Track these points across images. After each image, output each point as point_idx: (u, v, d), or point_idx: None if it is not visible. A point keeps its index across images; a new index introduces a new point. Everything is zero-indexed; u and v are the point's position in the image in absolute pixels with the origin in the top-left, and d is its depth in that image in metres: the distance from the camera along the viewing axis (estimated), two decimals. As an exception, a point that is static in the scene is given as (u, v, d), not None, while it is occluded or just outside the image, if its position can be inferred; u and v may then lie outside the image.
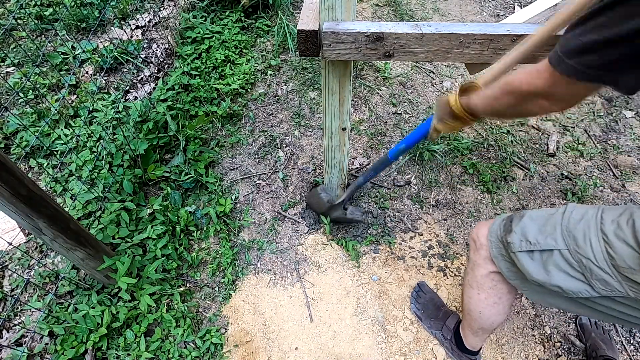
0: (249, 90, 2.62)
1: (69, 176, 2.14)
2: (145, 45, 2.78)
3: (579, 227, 0.94)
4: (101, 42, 2.77)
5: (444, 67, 2.81)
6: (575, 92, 0.78)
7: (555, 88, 0.78)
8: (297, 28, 1.18)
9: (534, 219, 1.06)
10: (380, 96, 2.61)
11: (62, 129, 2.28)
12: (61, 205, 1.63)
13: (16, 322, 1.74)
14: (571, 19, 0.85)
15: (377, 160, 1.62)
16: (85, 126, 2.28)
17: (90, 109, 2.36)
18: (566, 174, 2.27)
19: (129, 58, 2.66)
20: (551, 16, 1.32)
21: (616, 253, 0.86)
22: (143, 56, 2.70)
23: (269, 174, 2.25)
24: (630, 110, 2.59)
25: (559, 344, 1.72)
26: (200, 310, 1.81)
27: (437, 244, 2.00)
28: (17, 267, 1.88)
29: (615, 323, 1.27)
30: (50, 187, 2.13)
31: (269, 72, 2.72)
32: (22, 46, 2.79)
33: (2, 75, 2.65)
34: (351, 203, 2.11)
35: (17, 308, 1.78)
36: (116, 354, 1.62)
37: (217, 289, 1.86)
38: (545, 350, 1.71)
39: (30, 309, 1.76)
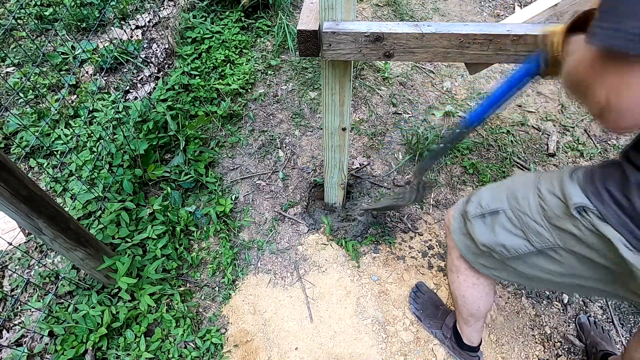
0: (249, 90, 2.62)
1: (69, 176, 2.14)
2: (145, 45, 2.78)
3: (520, 187, 1.03)
4: (101, 42, 2.77)
5: (444, 67, 2.81)
6: (622, 83, 0.51)
7: (595, 76, 0.55)
8: (297, 28, 1.18)
9: (489, 188, 1.15)
10: (380, 96, 2.61)
11: (62, 129, 2.28)
12: (61, 205, 1.63)
13: (16, 322, 1.74)
14: None
15: (451, 130, 1.33)
16: (85, 126, 2.28)
17: (90, 109, 2.36)
18: (566, 174, 2.26)
19: (129, 58, 2.66)
20: (552, 16, 1.32)
21: (547, 205, 0.94)
22: (143, 56, 2.70)
23: (269, 174, 2.25)
24: (630, 110, 2.58)
25: (559, 344, 1.72)
26: (200, 310, 1.81)
27: (437, 244, 2.00)
28: (17, 267, 1.88)
29: (556, 289, 1.32)
30: (50, 187, 2.13)
31: (269, 72, 2.72)
32: (22, 46, 2.79)
33: (2, 75, 2.65)
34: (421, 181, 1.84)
35: (17, 308, 1.78)
36: (116, 354, 1.62)
37: (217, 289, 1.86)
38: (545, 350, 1.71)
39: (30, 309, 1.76)
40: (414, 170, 1.71)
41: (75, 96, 2.51)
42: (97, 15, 2.85)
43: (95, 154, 2.13)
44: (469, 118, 1.20)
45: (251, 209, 2.12)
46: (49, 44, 2.73)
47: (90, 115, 2.35)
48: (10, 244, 1.41)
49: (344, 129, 1.59)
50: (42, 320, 1.65)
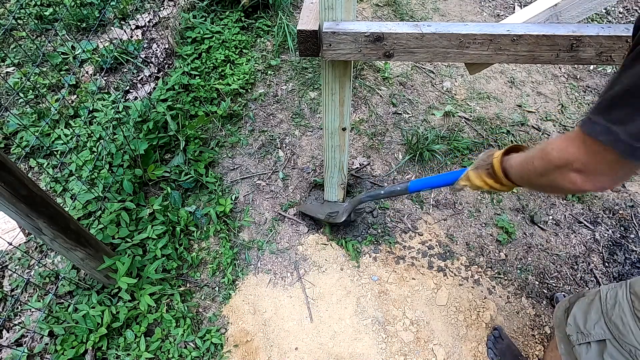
0: (249, 90, 2.62)
1: (69, 176, 2.14)
2: (145, 45, 2.77)
3: (615, 312, 0.92)
4: (101, 42, 2.77)
5: (444, 67, 2.81)
6: (612, 166, 0.63)
7: (587, 157, 0.64)
8: (297, 28, 1.18)
9: (580, 305, 1.04)
10: (380, 96, 2.61)
11: (62, 129, 2.28)
12: (61, 205, 1.63)
13: (16, 322, 1.73)
14: None
15: (393, 186, 1.54)
16: (85, 126, 2.28)
17: (90, 109, 2.36)
18: (566, 174, 2.26)
19: (129, 58, 2.66)
20: (552, 16, 1.32)
21: None
22: (143, 56, 2.69)
23: (269, 174, 2.25)
24: (630, 110, 2.58)
25: (559, 344, 1.72)
26: (200, 310, 1.81)
27: (437, 244, 2.00)
28: (17, 267, 1.88)
29: None
30: (50, 187, 2.13)
31: (269, 72, 2.72)
32: (22, 46, 2.79)
33: (2, 75, 2.65)
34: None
35: (17, 308, 1.78)
36: (116, 354, 1.62)
37: (217, 289, 1.86)
38: (545, 350, 1.71)
39: (30, 309, 1.76)
40: (353, 198, 1.81)
41: (75, 96, 2.51)
42: (97, 15, 2.85)
43: (95, 154, 2.13)
44: (411, 185, 1.43)
45: (251, 209, 2.12)
46: (49, 44, 2.73)
47: (90, 115, 2.35)
48: (10, 244, 1.41)
49: (344, 129, 1.59)
50: (42, 320, 1.65)
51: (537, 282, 1.90)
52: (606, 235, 2.06)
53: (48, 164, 2.21)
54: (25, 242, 1.97)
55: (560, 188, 0.73)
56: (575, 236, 2.05)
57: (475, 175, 1.02)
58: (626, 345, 0.90)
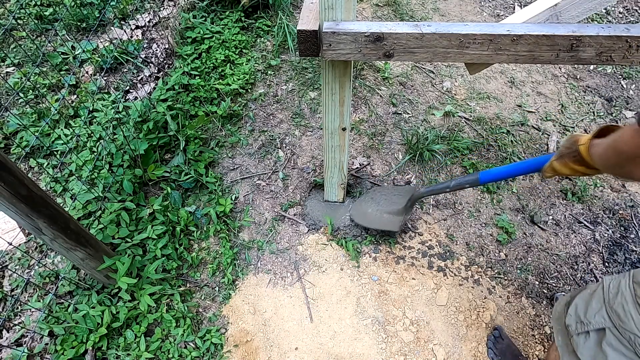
0: (249, 90, 2.62)
1: (69, 176, 2.14)
2: (145, 45, 2.77)
3: (617, 301, 0.92)
4: (101, 42, 2.77)
5: (444, 67, 2.81)
6: None
7: None
8: (297, 28, 1.18)
9: (582, 296, 1.05)
10: (380, 96, 2.61)
11: (62, 129, 2.28)
12: (61, 205, 1.63)
13: (16, 322, 1.74)
14: None
15: (461, 178, 1.47)
16: (85, 126, 2.28)
17: (90, 109, 2.36)
18: (566, 174, 2.26)
19: (129, 58, 2.66)
20: (552, 16, 1.32)
21: None
22: (143, 56, 2.69)
23: (269, 174, 2.25)
24: (630, 110, 2.58)
25: (559, 344, 1.72)
26: (200, 310, 1.81)
27: (437, 244, 2.00)
28: (17, 267, 1.88)
29: None
30: (50, 187, 2.13)
31: (269, 72, 2.72)
32: (22, 46, 2.79)
33: (2, 75, 2.65)
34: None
35: (17, 308, 1.78)
36: (116, 354, 1.62)
37: (217, 289, 1.86)
38: (545, 350, 1.71)
39: (30, 309, 1.76)
40: (413, 195, 1.76)
41: (75, 96, 2.51)
42: (97, 15, 2.85)
43: (95, 154, 2.13)
44: (481, 176, 1.33)
45: (251, 209, 2.12)
46: (49, 44, 2.73)
47: (90, 115, 2.35)
48: (10, 244, 1.42)
49: (344, 129, 1.59)
50: (42, 320, 1.65)
51: (537, 282, 1.90)
52: (606, 235, 2.06)
53: (48, 164, 2.21)
54: (25, 242, 1.97)
55: (637, 178, 0.73)
56: (575, 236, 2.05)
57: (561, 164, 1.03)
58: (626, 333, 0.90)
